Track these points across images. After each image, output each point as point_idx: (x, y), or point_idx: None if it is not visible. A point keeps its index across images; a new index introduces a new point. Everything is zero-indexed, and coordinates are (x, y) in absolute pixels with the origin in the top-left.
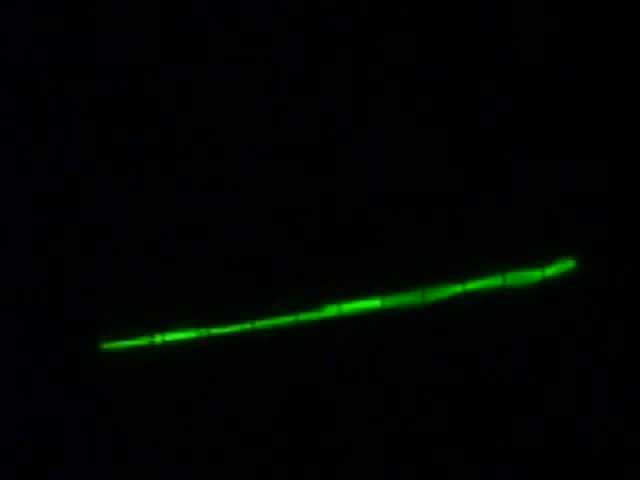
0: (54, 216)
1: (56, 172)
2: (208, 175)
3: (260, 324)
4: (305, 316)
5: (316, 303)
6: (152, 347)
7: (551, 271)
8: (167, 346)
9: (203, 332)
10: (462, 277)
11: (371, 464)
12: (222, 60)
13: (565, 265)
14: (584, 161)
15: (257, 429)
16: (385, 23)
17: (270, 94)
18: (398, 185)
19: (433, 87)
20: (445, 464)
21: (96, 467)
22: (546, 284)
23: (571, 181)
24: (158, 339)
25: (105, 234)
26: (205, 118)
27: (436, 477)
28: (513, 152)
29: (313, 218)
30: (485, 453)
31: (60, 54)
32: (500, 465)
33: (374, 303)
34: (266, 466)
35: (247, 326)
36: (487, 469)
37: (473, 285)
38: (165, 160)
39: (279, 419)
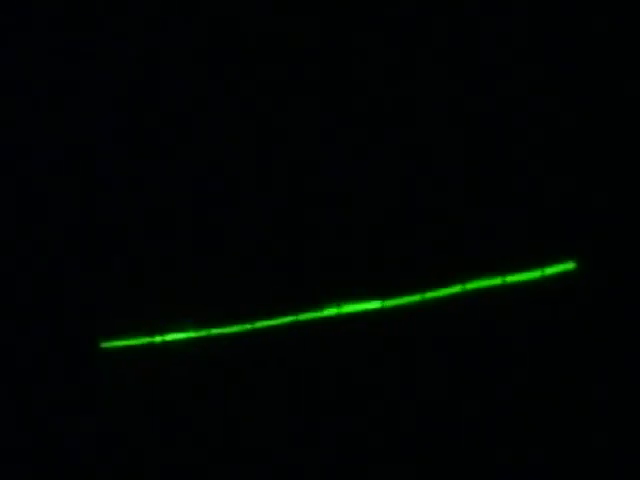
0: (54, 216)
1: (56, 171)
2: (208, 177)
3: (260, 324)
4: (305, 316)
5: (316, 303)
6: (152, 347)
7: (551, 271)
8: (167, 346)
9: (203, 332)
10: (462, 277)
11: (371, 464)
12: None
13: (565, 265)
14: (584, 162)
15: (257, 429)
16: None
17: (276, 95)
18: (398, 186)
19: (435, 87)
20: (444, 464)
21: (96, 467)
22: (546, 284)
23: (571, 182)
24: (158, 339)
25: (105, 235)
26: (206, 122)
27: (436, 477)
28: (513, 152)
29: (313, 219)
30: (485, 453)
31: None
32: (500, 465)
33: (374, 304)
34: (266, 466)
35: (247, 326)
36: (487, 470)
37: (473, 285)
38: (166, 161)
39: (279, 419)
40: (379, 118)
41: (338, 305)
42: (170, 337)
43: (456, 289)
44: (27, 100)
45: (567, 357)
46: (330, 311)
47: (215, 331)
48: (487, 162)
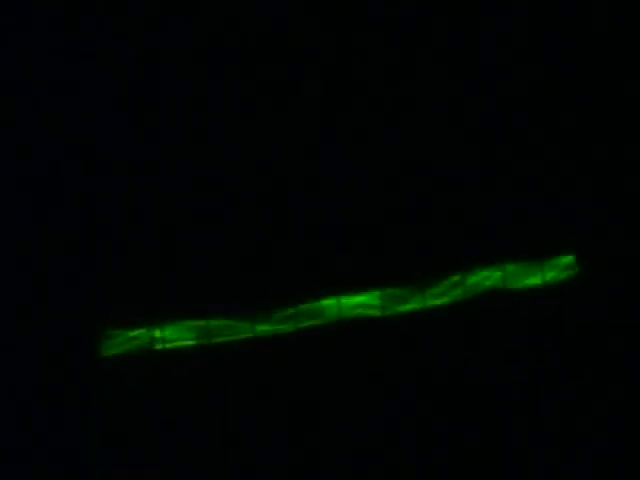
0: (54, 216)
1: (56, 171)
2: (207, 176)
3: (260, 329)
4: (304, 319)
5: (316, 306)
6: (151, 352)
7: (551, 271)
8: (166, 351)
9: (203, 331)
10: (462, 278)
11: (369, 466)
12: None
13: (565, 265)
14: (584, 162)
15: (257, 433)
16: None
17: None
18: (398, 186)
19: (437, 85)
20: (444, 465)
21: (96, 470)
22: (546, 285)
23: (572, 182)
24: (158, 340)
25: (105, 234)
26: (206, 122)
27: (436, 477)
28: (513, 153)
29: (313, 219)
30: (484, 455)
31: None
32: (499, 467)
33: (374, 305)
34: (265, 468)
35: (248, 330)
36: (486, 471)
37: (473, 285)
38: (166, 157)
39: (279, 423)
40: (379, 118)
41: (338, 308)
42: (170, 339)
43: (456, 290)
44: (27, 100)
45: (567, 357)
46: (330, 310)
47: (215, 333)
48: (486, 162)
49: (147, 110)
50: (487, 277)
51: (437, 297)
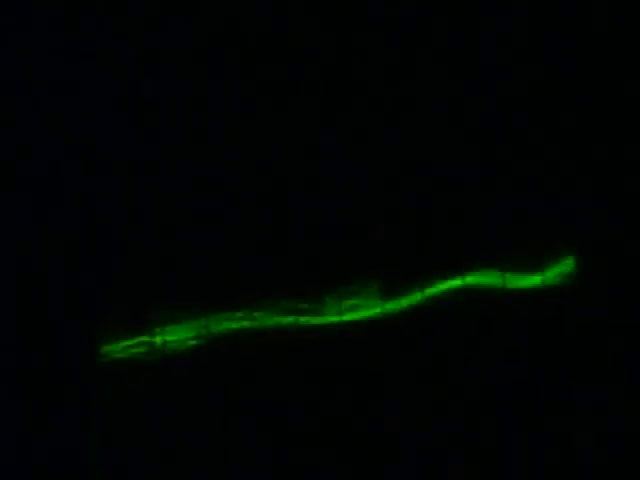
0: (54, 216)
1: (56, 171)
2: (207, 176)
3: (261, 329)
4: (305, 319)
5: (316, 305)
6: (151, 353)
7: (551, 273)
8: (166, 352)
9: (203, 331)
10: (462, 279)
11: (369, 466)
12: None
13: (565, 266)
14: (584, 162)
15: (257, 433)
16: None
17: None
18: (398, 186)
19: (437, 85)
20: (443, 466)
21: (96, 470)
22: (546, 285)
23: (572, 182)
24: (158, 340)
25: (105, 234)
26: (206, 122)
27: (436, 477)
28: (513, 153)
29: (313, 219)
30: (484, 455)
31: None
32: (499, 467)
33: (375, 308)
34: (266, 468)
35: (248, 330)
36: (486, 471)
37: (473, 287)
38: (166, 157)
39: (279, 423)
40: (379, 118)
41: (339, 301)
42: (170, 339)
43: (457, 291)
44: (27, 100)
45: (567, 357)
46: (330, 309)
47: (215, 332)
48: (486, 162)
49: (147, 110)
50: (486, 277)
51: (437, 297)
